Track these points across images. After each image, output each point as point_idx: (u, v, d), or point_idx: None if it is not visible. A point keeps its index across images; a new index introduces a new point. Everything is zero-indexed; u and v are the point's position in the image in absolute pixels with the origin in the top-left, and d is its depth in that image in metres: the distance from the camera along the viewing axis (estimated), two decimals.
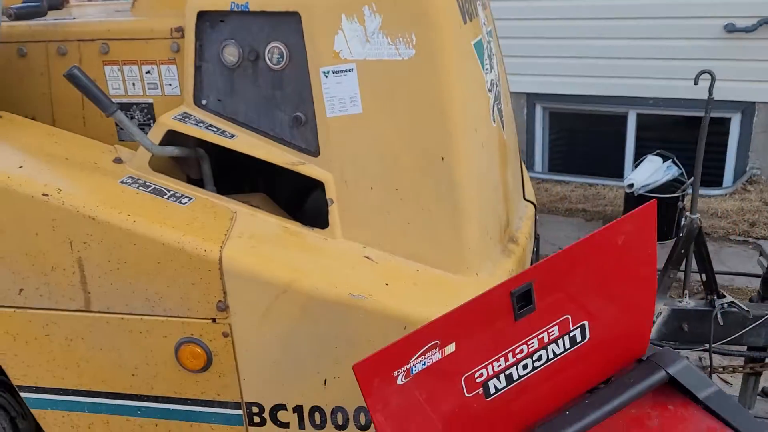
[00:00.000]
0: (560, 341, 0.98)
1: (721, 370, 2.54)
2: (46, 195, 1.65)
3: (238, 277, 1.64)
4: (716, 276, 2.43)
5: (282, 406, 1.75)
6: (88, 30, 2.00)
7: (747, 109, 5.04)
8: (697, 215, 2.33)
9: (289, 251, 1.72)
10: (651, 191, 4.17)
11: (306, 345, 1.66)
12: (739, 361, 2.68)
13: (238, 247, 1.67)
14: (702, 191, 4.95)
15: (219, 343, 1.71)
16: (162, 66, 2.01)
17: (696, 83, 2.25)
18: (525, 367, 0.97)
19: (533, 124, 6.04)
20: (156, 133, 1.82)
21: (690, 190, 4.07)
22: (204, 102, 1.89)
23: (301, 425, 1.76)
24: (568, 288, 0.96)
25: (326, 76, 1.72)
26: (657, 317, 2.43)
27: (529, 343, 0.96)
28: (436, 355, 0.88)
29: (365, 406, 0.92)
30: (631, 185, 4.17)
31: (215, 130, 1.84)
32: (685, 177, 4.18)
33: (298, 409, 1.75)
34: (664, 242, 4.27)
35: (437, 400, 0.92)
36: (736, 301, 2.33)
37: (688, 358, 1.90)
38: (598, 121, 5.76)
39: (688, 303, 2.41)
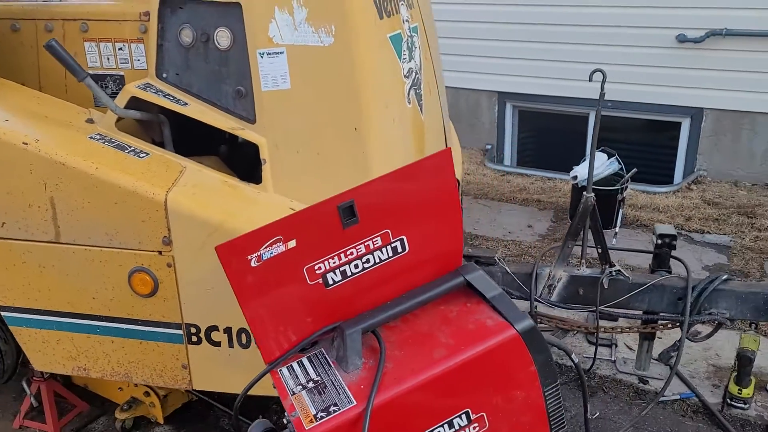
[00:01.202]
0: (384, 249, 1.34)
1: (619, 330, 2.90)
2: (26, 144, 2.02)
3: (180, 216, 2.00)
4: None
5: (215, 327, 2.12)
6: (70, 11, 2.37)
7: (696, 114, 5.40)
8: (592, 195, 2.68)
9: (225, 199, 2.09)
10: (593, 184, 4.52)
11: None
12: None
13: (181, 192, 2.03)
14: (648, 188, 5.32)
15: (164, 272, 2.07)
16: (132, 44, 2.39)
17: (590, 80, 2.60)
18: (356, 266, 1.33)
19: (503, 121, 6.40)
20: (122, 99, 2.19)
21: (636, 185, 4.43)
22: (165, 75, 2.26)
23: (230, 344, 2.12)
24: (385, 208, 1.31)
25: (262, 57, 2.09)
26: (558, 282, 2.79)
27: (357, 247, 1.31)
28: (281, 248, 1.23)
29: None
30: (575, 177, 4.52)
31: (172, 98, 2.21)
32: (624, 172, 4.53)
33: (228, 330, 2.11)
34: (605, 231, 4.63)
35: (286, 283, 1.27)
36: (621, 269, 2.70)
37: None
38: (563, 121, 6.11)
39: (584, 271, 2.77)
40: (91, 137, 2.15)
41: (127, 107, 2.21)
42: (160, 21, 2.21)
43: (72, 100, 2.43)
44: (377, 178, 1.32)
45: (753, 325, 2.92)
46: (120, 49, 2.39)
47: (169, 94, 2.22)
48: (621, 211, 4.56)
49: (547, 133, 6.57)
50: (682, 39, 5.17)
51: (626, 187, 4.55)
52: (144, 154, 2.16)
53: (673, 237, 2.81)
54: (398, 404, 1.24)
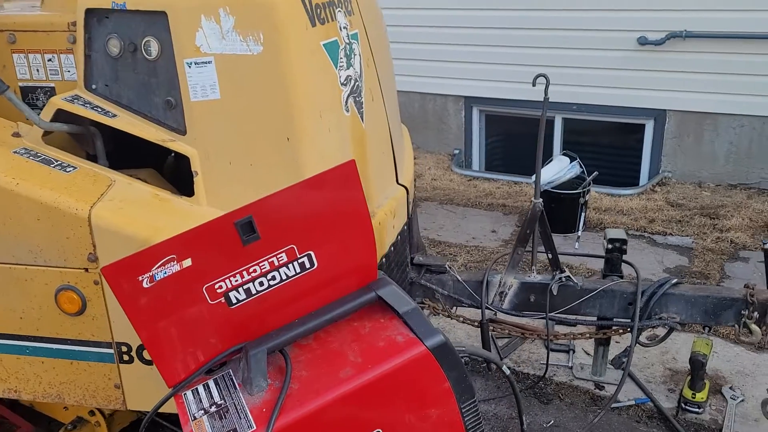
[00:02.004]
0: (291, 266, 1.29)
1: (571, 335, 2.88)
2: None
3: (105, 232, 1.94)
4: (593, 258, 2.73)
5: None
6: None
7: (659, 116, 5.42)
8: (540, 200, 2.66)
9: (154, 213, 2.03)
10: (555, 187, 4.52)
11: None
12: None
13: (107, 207, 1.97)
14: (613, 190, 5.33)
15: (91, 289, 2.00)
16: (62, 55, 2.32)
17: (534, 85, 2.58)
18: (261, 284, 1.28)
19: (471, 126, 6.40)
20: (47, 112, 2.13)
21: (597, 187, 4.42)
22: (94, 87, 2.20)
23: None
24: (289, 223, 1.27)
25: (190, 67, 2.03)
26: (509, 289, 2.76)
27: (260, 264, 1.26)
28: (175, 267, 1.19)
29: None
30: None
31: (100, 110, 2.15)
32: (586, 175, 4.54)
33: None
34: (568, 235, 4.63)
35: (184, 303, 1.22)
36: (570, 275, 2.67)
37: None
38: (530, 125, 6.10)
39: (535, 277, 2.74)
40: (15, 152, 2.08)
41: (56, 120, 2.15)
42: (86, 31, 2.15)
43: (4, 114, 2.35)
44: (278, 192, 1.27)
45: (707, 329, 2.91)
46: (50, 60, 2.32)
47: (97, 106, 2.16)
48: (584, 214, 4.56)
49: (515, 137, 6.57)
50: (642, 41, 5.20)
51: (588, 190, 4.56)
52: (71, 168, 2.10)
53: (624, 241, 2.79)
54: (301, 427, 1.19)
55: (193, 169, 2.10)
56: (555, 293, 2.65)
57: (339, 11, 2.32)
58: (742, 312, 2.55)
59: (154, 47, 2.07)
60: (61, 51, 2.31)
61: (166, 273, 1.18)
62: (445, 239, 4.68)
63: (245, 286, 1.26)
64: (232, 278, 1.25)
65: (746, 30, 4.83)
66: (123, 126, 2.13)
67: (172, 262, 1.18)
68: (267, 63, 2.00)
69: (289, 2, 2.03)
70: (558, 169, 4.58)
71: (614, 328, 2.77)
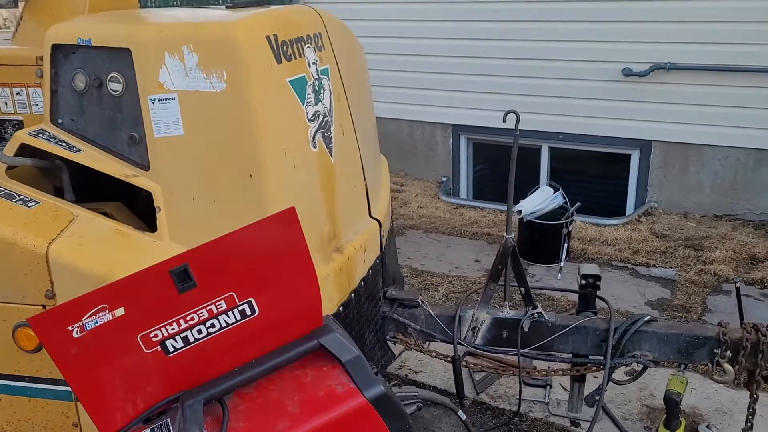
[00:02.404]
0: (230, 313, 1.27)
1: (544, 372, 2.84)
2: None
3: (62, 269, 1.92)
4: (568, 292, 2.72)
5: None
6: None
7: (645, 146, 5.43)
8: (512, 235, 2.64)
9: (113, 249, 2.01)
10: (539, 218, 4.52)
11: None
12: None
13: (66, 243, 1.95)
14: (598, 220, 5.32)
15: None
16: (30, 89, 2.33)
17: (504, 121, 2.58)
18: (200, 332, 1.26)
19: (458, 154, 6.41)
20: (12, 146, 2.12)
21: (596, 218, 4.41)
22: (60, 121, 2.20)
23: None
24: (228, 270, 1.26)
25: (153, 103, 2.04)
26: (481, 324, 2.74)
27: (198, 312, 1.25)
28: (107, 316, 1.17)
29: None
30: (519, 212, 4.51)
31: (64, 144, 2.14)
32: (569, 206, 4.53)
33: None
34: (551, 265, 4.61)
35: (117, 352, 1.20)
36: (542, 311, 2.65)
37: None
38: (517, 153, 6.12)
39: (507, 313, 2.72)
40: None
41: (21, 153, 2.15)
42: (53, 66, 2.16)
43: None
44: (216, 239, 1.26)
45: (683, 366, 2.87)
46: (18, 93, 2.33)
47: (62, 140, 2.15)
48: (566, 245, 4.55)
49: (502, 166, 6.57)
50: (627, 73, 5.23)
51: (572, 220, 4.55)
52: (33, 203, 2.09)
53: (597, 277, 2.77)
54: None
55: (156, 205, 2.09)
56: (526, 330, 2.62)
57: (308, 47, 2.33)
58: (715, 351, 2.52)
59: (119, 83, 2.08)
60: (29, 85, 2.32)
61: (97, 322, 1.16)
62: (428, 269, 4.65)
63: (183, 335, 1.24)
64: (168, 327, 1.23)
65: (730, 63, 4.86)
66: (86, 161, 2.12)
67: (103, 312, 1.16)
68: (230, 100, 2.00)
69: (253, 40, 2.04)
70: (541, 199, 4.58)
71: (588, 365, 2.74)
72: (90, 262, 1.93)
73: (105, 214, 2.31)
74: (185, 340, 1.25)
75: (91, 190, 2.33)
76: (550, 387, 3.26)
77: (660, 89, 5.19)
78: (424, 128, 6.45)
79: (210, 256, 1.24)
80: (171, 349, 1.24)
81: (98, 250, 1.99)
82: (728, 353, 2.50)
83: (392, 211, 3.33)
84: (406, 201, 5.96)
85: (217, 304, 1.25)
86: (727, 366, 2.50)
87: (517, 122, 2.53)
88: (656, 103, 5.23)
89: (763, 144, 4.98)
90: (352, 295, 2.50)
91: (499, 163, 6.83)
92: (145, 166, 2.10)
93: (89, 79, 2.12)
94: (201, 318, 1.24)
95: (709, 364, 2.57)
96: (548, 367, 2.87)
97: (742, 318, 2.61)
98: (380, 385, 1.28)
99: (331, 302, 2.34)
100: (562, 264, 4.50)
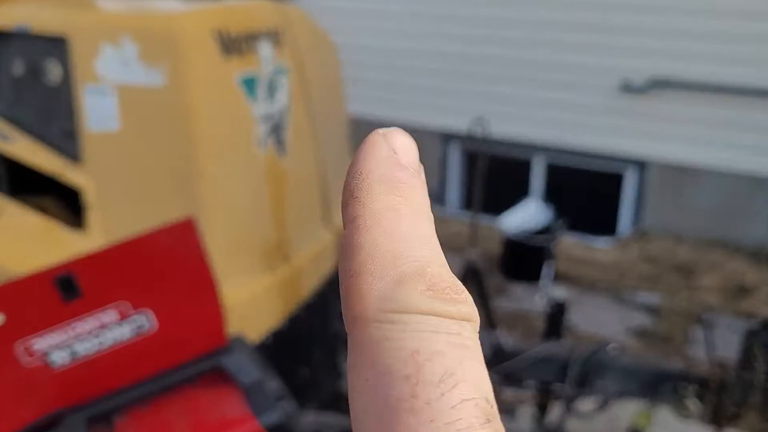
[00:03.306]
0: (124, 327, 1.16)
1: (504, 401, 2.71)
2: None
3: None
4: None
5: None
6: None
7: (640, 166, 5.29)
8: (475, 252, 2.52)
9: (35, 246, 1.91)
10: (523, 234, 4.38)
11: None
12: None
13: None
14: (588, 240, 5.17)
15: None
16: None
17: (472, 129, 2.46)
18: (89, 344, 1.15)
19: (447, 164, 6.28)
20: None
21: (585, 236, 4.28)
22: None
23: None
24: (120, 281, 1.15)
25: (89, 95, 1.93)
26: None
27: (85, 323, 1.14)
28: None
29: None
30: (502, 226, 4.38)
31: None
32: (555, 223, 4.39)
33: None
34: (533, 284, 4.47)
35: None
36: (499, 337, 2.52)
37: None
38: (508, 165, 5.99)
39: None
40: None
41: None
42: None
43: None
44: (108, 247, 1.15)
45: (649, 399, 2.73)
46: None
47: None
48: (550, 264, 4.41)
49: (492, 178, 6.44)
50: (626, 89, 5.09)
51: (556, 239, 4.41)
52: None
53: (564, 303, 2.63)
54: None
55: (87, 201, 1.98)
56: (485, 353, 2.49)
57: (264, 43, 2.22)
58: (679, 386, 2.38)
59: (56, 72, 1.98)
60: None
61: None
62: None
63: (71, 348, 1.13)
64: (50, 337, 1.12)
65: (731, 83, 4.72)
66: (16, 152, 2.02)
67: None
68: (170, 96, 1.89)
69: (198, 34, 1.93)
70: (527, 215, 4.44)
71: (549, 393, 2.61)
72: (7, 259, 1.83)
73: (40, 207, 2.21)
74: (72, 353, 1.14)
75: (33, 181, 2.23)
76: (513, 413, 3.12)
77: (658, 108, 5.04)
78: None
79: (101, 264, 1.13)
80: (58, 362, 1.13)
81: (19, 245, 1.89)
82: (693, 389, 2.36)
83: None
84: None
85: (107, 314, 1.13)
86: (691, 403, 2.36)
87: (486, 128, 2.41)
88: (653, 123, 5.09)
89: (760, 171, 4.83)
90: (300, 309, 2.38)
91: (493, 175, 6.71)
92: (78, 160, 2.00)
93: (27, 66, 2.02)
94: (89, 329, 1.13)
95: (673, 400, 2.43)
96: (515, 393, 2.74)
97: (710, 353, 2.47)
98: (277, 412, 1.16)
99: (273, 314, 2.23)
100: (542, 284, 4.37)
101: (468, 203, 6.40)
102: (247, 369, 1.23)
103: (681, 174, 5.16)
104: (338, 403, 3.25)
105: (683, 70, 4.87)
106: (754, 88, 4.65)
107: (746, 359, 2.31)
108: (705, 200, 5.11)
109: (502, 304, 4.12)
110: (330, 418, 1.60)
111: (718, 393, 2.32)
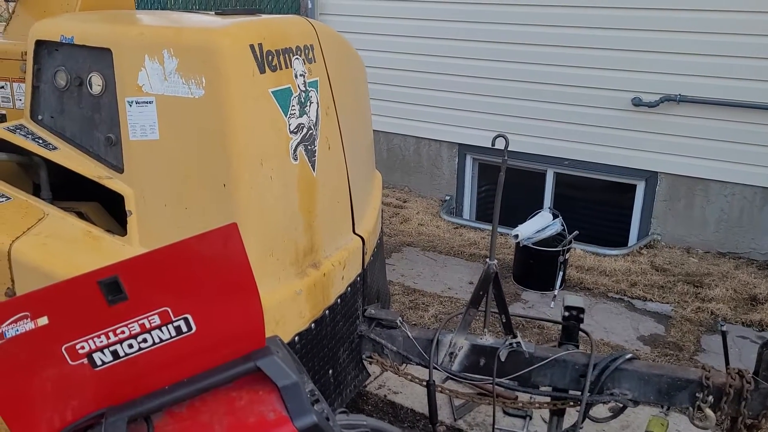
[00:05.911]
0: (165, 329, 1.23)
1: (521, 403, 2.77)
2: None
3: (24, 267, 1.89)
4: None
5: None
6: None
7: (651, 177, 5.35)
8: (495, 261, 2.58)
9: (78, 251, 1.98)
10: (536, 244, 4.44)
11: None
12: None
13: (30, 242, 1.93)
14: (599, 249, 5.23)
15: None
16: (14, 83, 2.31)
17: (493, 145, 2.53)
18: (131, 346, 1.22)
19: (463, 173, 6.35)
20: None
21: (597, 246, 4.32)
22: (40, 117, 2.18)
23: None
24: (163, 284, 1.21)
25: (131, 105, 2.01)
26: (459, 350, 2.67)
27: (129, 326, 1.20)
28: (29, 325, 1.13)
29: None
30: (516, 236, 4.44)
31: (41, 142, 2.13)
32: (567, 233, 4.45)
33: None
34: (546, 292, 4.53)
35: (39, 363, 1.16)
36: (521, 341, 2.58)
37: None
38: (522, 176, 6.06)
39: (487, 340, 2.65)
40: None
41: (0, 149, 2.13)
42: (36, 62, 2.14)
43: None
44: (150, 252, 1.22)
45: (665, 407, 2.78)
46: (2, 87, 2.32)
47: (39, 137, 2.14)
48: (562, 272, 4.46)
49: (507, 188, 6.50)
50: (637, 102, 5.15)
51: (569, 248, 4.47)
52: (3, 199, 2.07)
53: (581, 310, 2.69)
54: None
55: (127, 209, 2.06)
56: (503, 359, 2.55)
57: (296, 59, 2.30)
58: (697, 395, 2.43)
59: (99, 83, 2.06)
60: (14, 79, 2.31)
61: (18, 330, 1.12)
62: (421, 287, 4.59)
63: (112, 348, 1.20)
64: (96, 339, 1.18)
65: (741, 98, 4.78)
66: (61, 159, 2.10)
67: (24, 320, 1.12)
68: (207, 107, 1.97)
69: (236, 48, 2.01)
70: (540, 225, 4.51)
71: (566, 399, 2.66)
72: (52, 263, 1.91)
73: (80, 214, 2.29)
74: (114, 354, 1.20)
75: (72, 188, 2.31)
76: (530, 418, 3.18)
77: (669, 121, 5.11)
78: (430, 145, 6.41)
79: (144, 268, 1.20)
80: (99, 362, 1.20)
81: (63, 250, 1.97)
82: (710, 398, 2.41)
83: (382, 228, 3.28)
84: (407, 218, 5.90)
85: (150, 318, 1.20)
86: (708, 411, 2.41)
87: (507, 146, 2.48)
88: (664, 135, 5.15)
89: None
90: (327, 311, 2.44)
91: (505, 185, 6.77)
92: (119, 169, 2.07)
93: (70, 77, 2.10)
94: (132, 332, 1.20)
95: (690, 408, 2.48)
96: (531, 398, 2.79)
97: (727, 362, 2.52)
98: (312, 415, 1.22)
99: (302, 318, 2.30)
100: (556, 292, 4.42)
101: (482, 213, 6.47)
102: (283, 371, 1.29)
103: (692, 185, 5.22)
104: (366, 401, 3.30)
105: (695, 85, 4.93)
106: (763, 103, 4.71)
107: (763, 369, 2.36)
108: (715, 212, 5.16)
109: (516, 311, 4.17)
110: (356, 419, 1.66)
111: (735, 402, 2.37)
